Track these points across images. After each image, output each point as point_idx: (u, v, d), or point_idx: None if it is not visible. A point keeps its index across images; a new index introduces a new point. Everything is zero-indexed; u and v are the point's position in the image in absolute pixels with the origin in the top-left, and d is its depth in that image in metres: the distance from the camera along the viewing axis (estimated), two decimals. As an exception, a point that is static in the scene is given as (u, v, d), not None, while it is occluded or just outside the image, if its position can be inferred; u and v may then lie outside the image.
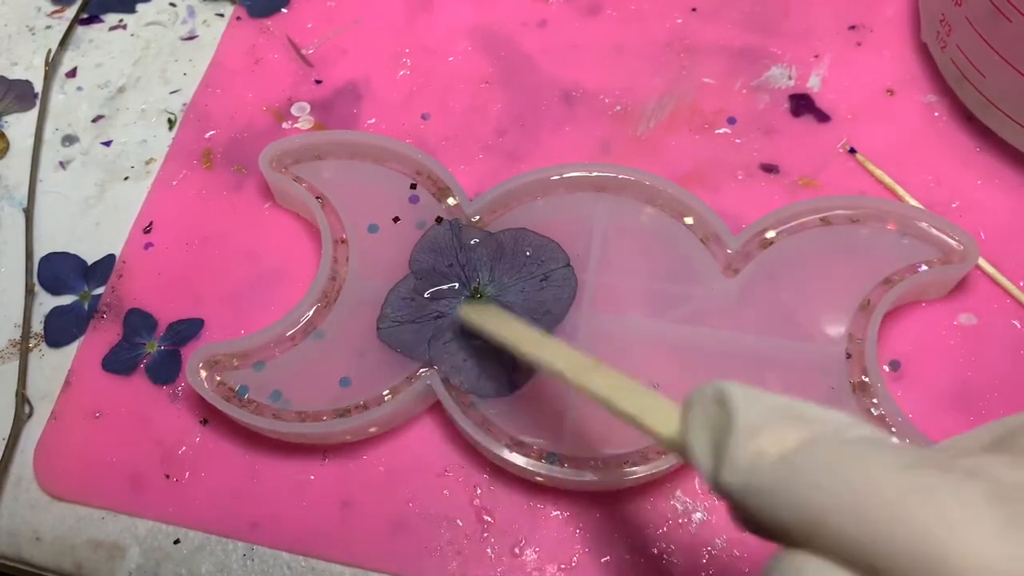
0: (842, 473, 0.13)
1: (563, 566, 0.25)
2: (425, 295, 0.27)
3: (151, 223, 0.31)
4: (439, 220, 0.28)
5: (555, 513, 0.26)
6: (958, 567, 0.12)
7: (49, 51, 0.35)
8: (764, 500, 0.13)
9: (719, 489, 0.14)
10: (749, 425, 0.14)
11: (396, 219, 0.29)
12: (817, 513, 0.13)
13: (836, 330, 0.26)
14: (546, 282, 0.27)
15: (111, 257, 0.29)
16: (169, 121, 0.33)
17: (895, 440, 0.14)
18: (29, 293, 0.30)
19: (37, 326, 0.29)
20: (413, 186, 0.29)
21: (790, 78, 0.32)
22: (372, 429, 0.26)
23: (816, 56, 0.33)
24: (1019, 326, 0.27)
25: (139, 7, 0.36)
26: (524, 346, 0.22)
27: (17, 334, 0.29)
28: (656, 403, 0.18)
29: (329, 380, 0.26)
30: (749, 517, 0.14)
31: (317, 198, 0.29)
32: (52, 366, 0.29)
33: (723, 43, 0.33)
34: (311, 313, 0.27)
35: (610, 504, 0.25)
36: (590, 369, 0.20)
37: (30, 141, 0.33)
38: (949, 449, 0.15)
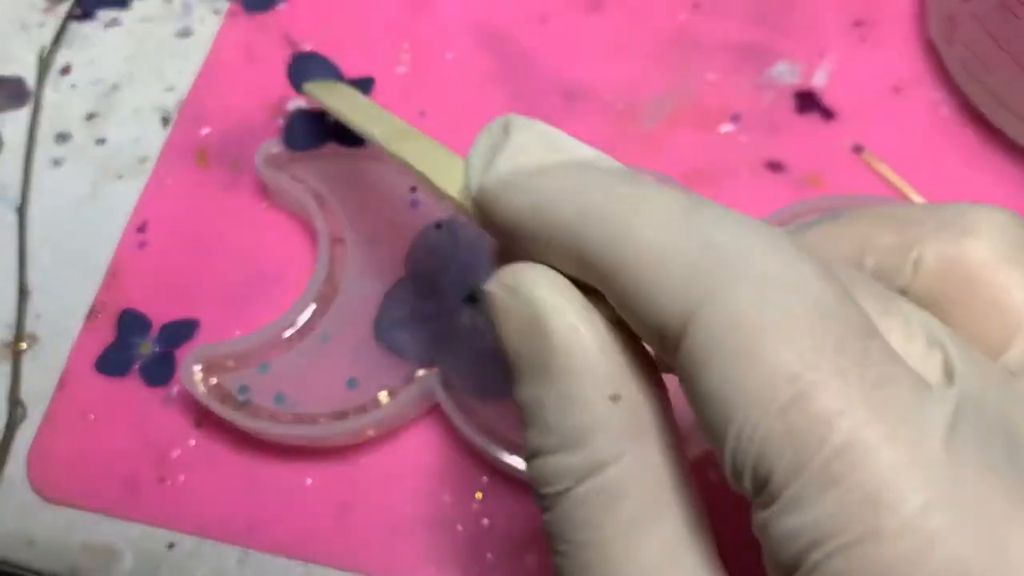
0: (579, 176, 0.15)
1: (564, 571, 0.25)
2: (423, 296, 0.27)
3: (145, 222, 0.30)
4: (439, 226, 0.28)
5: (556, 517, 0.25)
6: (633, 236, 0.13)
7: (42, 48, 0.34)
8: (508, 196, 0.15)
9: (479, 197, 0.16)
10: (520, 143, 0.16)
11: (394, 219, 0.28)
12: (550, 201, 0.15)
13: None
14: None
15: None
16: (163, 119, 0.33)
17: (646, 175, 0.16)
18: (22, 293, 0.29)
19: (30, 326, 0.29)
20: (413, 189, 0.29)
21: (795, 75, 0.32)
22: (370, 432, 0.26)
23: (821, 53, 0.32)
24: None
25: (133, 3, 0.36)
26: (352, 116, 0.23)
27: (10, 335, 0.29)
28: (453, 164, 0.19)
29: (335, 382, 0.26)
30: (494, 217, 0.16)
31: (314, 197, 0.29)
32: (45, 368, 0.28)
33: (727, 39, 0.33)
34: (308, 314, 0.27)
35: (612, 508, 0.25)
36: (402, 135, 0.21)
37: (23, 139, 0.32)
38: None
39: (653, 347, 0.14)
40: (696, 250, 0.13)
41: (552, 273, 0.15)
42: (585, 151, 0.16)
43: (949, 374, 0.13)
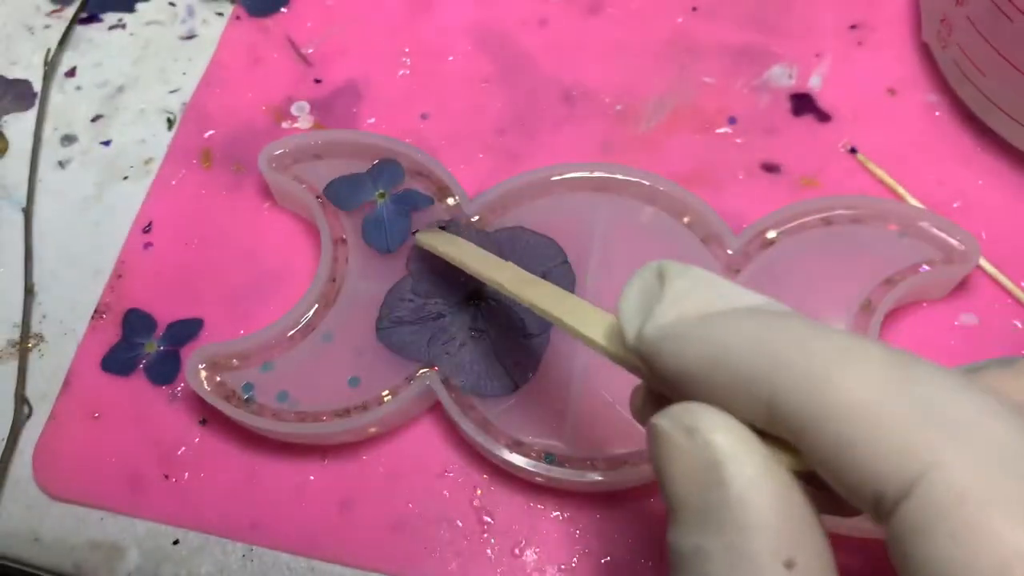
0: (759, 322, 0.14)
1: (563, 567, 0.25)
2: (424, 295, 0.27)
3: (150, 223, 0.31)
4: (443, 228, 0.28)
5: (555, 514, 0.25)
6: (840, 397, 0.13)
7: (48, 50, 0.35)
8: (679, 345, 0.15)
9: (640, 346, 0.15)
10: (680, 290, 0.15)
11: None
12: (728, 351, 0.14)
13: (837, 330, 0.26)
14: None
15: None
16: (168, 120, 0.33)
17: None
18: (28, 293, 0.30)
19: (36, 326, 0.29)
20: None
21: (791, 77, 0.32)
22: (372, 430, 0.26)
23: (817, 55, 0.32)
24: (1020, 326, 0.27)
25: (138, 6, 0.36)
26: (473, 263, 0.24)
27: (16, 334, 0.29)
28: (594, 313, 0.19)
29: (337, 380, 0.26)
30: (665, 363, 0.15)
31: (317, 198, 0.29)
32: (51, 366, 0.28)
33: (724, 42, 0.33)
34: (311, 314, 0.27)
35: (610, 504, 0.25)
36: (530, 282, 0.21)
37: (29, 141, 0.33)
38: None
39: (859, 506, 0.13)
40: (914, 411, 0.12)
41: (732, 420, 0.14)
42: (753, 297, 0.15)
43: None
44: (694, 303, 0.15)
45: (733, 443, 0.14)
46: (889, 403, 0.13)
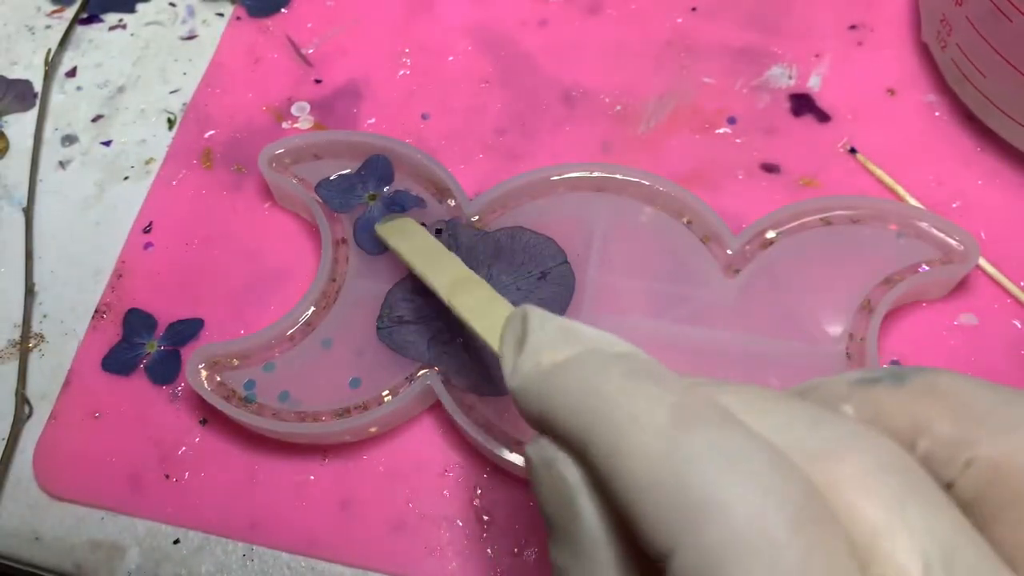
0: (579, 376, 0.15)
1: (563, 566, 0.25)
2: (424, 295, 0.27)
3: (151, 223, 0.31)
4: (439, 232, 0.28)
5: (555, 513, 0.25)
6: (630, 449, 0.14)
7: (49, 51, 0.35)
8: (531, 399, 0.16)
9: (512, 394, 0.17)
10: (537, 341, 0.17)
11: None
12: (559, 406, 0.15)
13: (836, 330, 0.26)
14: (544, 280, 0.27)
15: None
16: (169, 121, 0.33)
17: (644, 356, 0.16)
18: (29, 293, 0.30)
19: (37, 326, 0.29)
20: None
21: (790, 78, 0.32)
22: (372, 429, 0.26)
23: (817, 56, 0.32)
24: (1019, 326, 0.27)
25: (139, 7, 0.36)
26: (418, 261, 0.25)
27: (17, 334, 0.29)
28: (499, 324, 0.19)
29: (338, 380, 0.26)
30: (525, 413, 0.16)
31: (316, 198, 0.29)
32: (52, 366, 0.29)
33: (723, 42, 0.33)
34: (311, 314, 0.27)
35: (610, 504, 0.25)
36: (459, 288, 0.22)
37: (30, 141, 0.33)
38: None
39: None
40: (673, 489, 0.13)
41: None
42: (605, 344, 0.16)
43: None
44: (549, 355, 0.16)
45: (580, 480, 0.15)
46: (655, 477, 0.13)
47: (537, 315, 0.17)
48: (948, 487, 0.14)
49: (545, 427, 0.16)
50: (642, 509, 0.13)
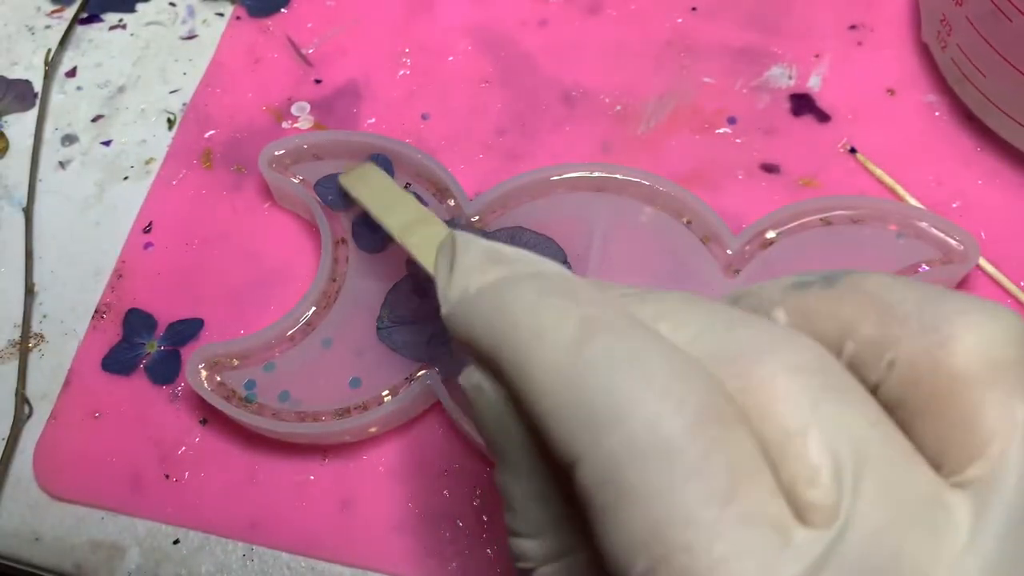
0: (496, 298, 0.16)
1: (563, 566, 0.25)
2: (424, 295, 0.27)
3: (151, 223, 0.31)
4: None
5: (555, 513, 0.25)
6: (536, 362, 0.14)
7: (48, 51, 0.35)
8: (456, 324, 0.16)
9: (444, 320, 0.17)
10: (465, 266, 0.17)
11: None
12: (478, 328, 0.16)
13: (836, 330, 0.26)
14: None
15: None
16: (169, 121, 0.33)
17: (563, 273, 0.16)
18: (29, 293, 0.30)
19: (37, 326, 0.29)
20: (407, 185, 0.29)
21: (790, 78, 0.32)
22: (372, 429, 0.26)
23: (817, 56, 0.33)
24: (1020, 326, 0.27)
25: (139, 7, 0.36)
26: (374, 204, 0.25)
27: (17, 334, 0.29)
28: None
29: (338, 380, 0.26)
30: (456, 338, 0.17)
31: (317, 198, 0.29)
32: (52, 366, 0.29)
33: (723, 43, 0.33)
34: (311, 314, 0.27)
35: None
36: (411, 228, 0.23)
37: (30, 141, 0.33)
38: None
39: None
40: (573, 400, 0.13)
41: None
42: (528, 264, 0.17)
43: (829, 518, 0.12)
44: (477, 279, 0.16)
45: (504, 399, 0.15)
46: (559, 390, 0.14)
47: (463, 239, 0.17)
48: (875, 389, 0.14)
49: (471, 352, 0.16)
50: (548, 422, 0.14)
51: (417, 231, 0.23)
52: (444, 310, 0.17)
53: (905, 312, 0.14)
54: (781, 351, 0.14)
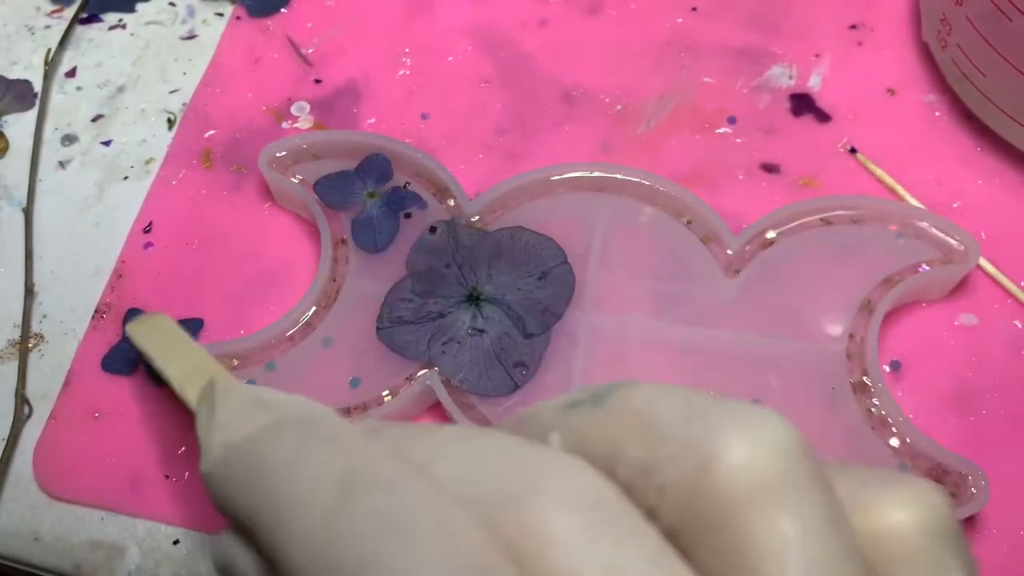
0: (256, 454, 0.14)
1: (563, 567, 0.25)
2: (424, 295, 0.27)
3: (151, 223, 0.31)
4: (432, 230, 0.28)
5: (555, 513, 0.25)
6: (287, 533, 0.13)
7: (48, 51, 0.35)
8: (215, 484, 0.15)
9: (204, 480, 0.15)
10: (224, 418, 0.15)
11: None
12: (227, 490, 0.14)
13: (836, 330, 0.26)
14: (544, 280, 0.27)
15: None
16: (169, 121, 0.33)
17: (331, 418, 0.15)
18: (28, 293, 0.30)
19: (36, 326, 0.29)
20: (406, 185, 0.29)
21: (791, 77, 0.32)
22: (372, 429, 0.26)
23: (817, 55, 0.33)
24: (1020, 326, 0.27)
25: (138, 7, 0.36)
26: (158, 361, 0.23)
27: (17, 334, 0.29)
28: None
29: (338, 380, 0.26)
30: (213, 501, 0.15)
31: (317, 198, 0.29)
32: (52, 366, 0.29)
33: (723, 42, 0.33)
34: (311, 314, 0.27)
35: (610, 504, 0.25)
36: (191, 379, 0.21)
37: (29, 141, 0.33)
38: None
39: None
40: (329, 569, 0.12)
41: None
42: (289, 405, 0.15)
43: None
44: (239, 429, 0.15)
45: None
46: (310, 562, 0.12)
47: (222, 388, 0.16)
48: (653, 515, 0.13)
49: (227, 516, 0.14)
50: None
51: (197, 381, 0.21)
52: (203, 467, 0.15)
53: (670, 431, 0.13)
54: (554, 485, 0.13)
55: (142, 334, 0.26)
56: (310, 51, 0.34)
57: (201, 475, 0.15)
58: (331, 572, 0.12)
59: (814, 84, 0.32)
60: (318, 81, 0.33)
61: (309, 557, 0.12)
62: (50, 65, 0.34)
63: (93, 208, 0.31)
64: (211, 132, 0.32)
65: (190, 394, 0.21)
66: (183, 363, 0.23)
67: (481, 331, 0.27)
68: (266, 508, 0.13)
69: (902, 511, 0.13)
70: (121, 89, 0.34)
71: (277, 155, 0.30)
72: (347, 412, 0.26)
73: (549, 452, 0.13)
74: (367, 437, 0.14)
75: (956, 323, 0.27)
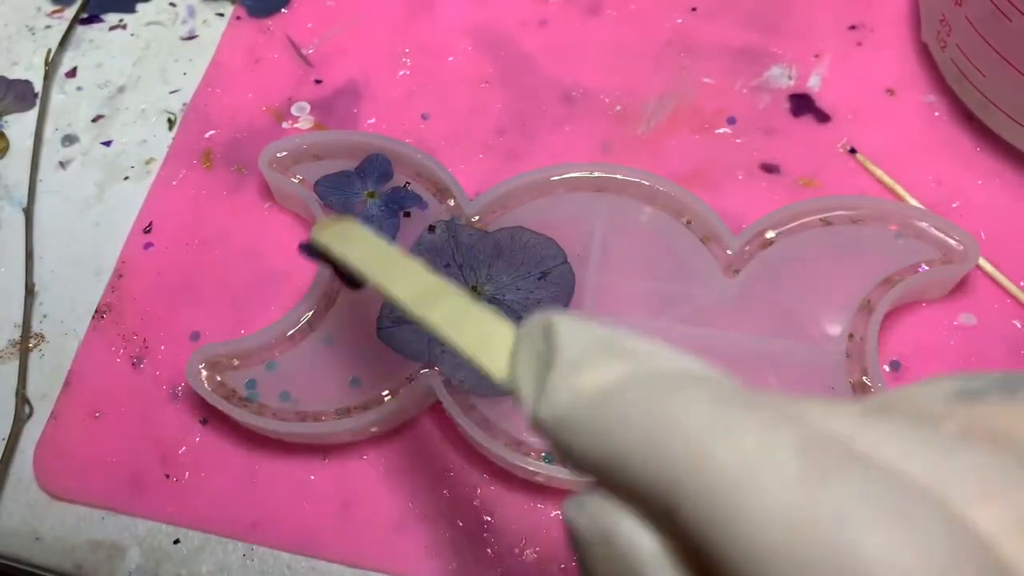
0: (649, 407, 0.12)
1: (563, 566, 0.25)
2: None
3: (151, 223, 0.31)
4: (432, 229, 0.28)
5: (555, 513, 0.26)
6: (752, 509, 0.11)
7: (49, 51, 0.35)
8: (576, 436, 0.13)
9: (537, 425, 0.14)
10: (572, 360, 0.13)
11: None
12: (622, 448, 0.12)
13: (836, 330, 0.26)
14: (544, 280, 0.27)
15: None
16: (169, 121, 0.33)
17: (719, 375, 0.13)
18: (29, 293, 0.30)
19: (37, 326, 0.29)
20: (406, 185, 0.29)
21: (790, 78, 0.32)
22: (372, 429, 0.26)
23: (816, 56, 0.33)
24: (1019, 326, 0.27)
25: (139, 7, 0.36)
26: (372, 273, 0.20)
27: (17, 334, 0.29)
28: (494, 339, 0.16)
29: (338, 380, 0.26)
30: (566, 453, 0.13)
31: (317, 198, 0.29)
32: (52, 366, 0.29)
33: (723, 43, 0.33)
34: (311, 314, 0.27)
35: (610, 504, 0.25)
36: (432, 299, 0.18)
37: (30, 141, 0.33)
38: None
39: None
40: (826, 560, 0.10)
41: (649, 525, 0.12)
42: (662, 358, 0.13)
43: None
44: (590, 375, 0.13)
45: (662, 553, 0.12)
46: (790, 548, 0.10)
47: (566, 324, 0.14)
48: None
49: (602, 476, 0.12)
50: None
51: (437, 302, 0.18)
52: (545, 413, 0.13)
53: None
54: (1009, 492, 0.11)
55: (339, 241, 0.22)
56: (310, 51, 0.34)
57: (533, 417, 0.14)
58: (826, 564, 0.10)
59: (814, 84, 0.32)
60: (318, 81, 0.33)
61: (788, 544, 0.10)
62: (51, 65, 0.34)
63: (93, 208, 0.31)
64: (211, 132, 0.32)
65: (432, 316, 0.18)
66: (410, 281, 0.19)
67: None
68: (696, 480, 0.11)
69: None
70: (121, 89, 0.34)
71: (277, 155, 0.30)
72: (347, 412, 0.26)
73: (983, 450, 0.12)
74: (762, 399, 0.12)
75: (956, 323, 0.27)
